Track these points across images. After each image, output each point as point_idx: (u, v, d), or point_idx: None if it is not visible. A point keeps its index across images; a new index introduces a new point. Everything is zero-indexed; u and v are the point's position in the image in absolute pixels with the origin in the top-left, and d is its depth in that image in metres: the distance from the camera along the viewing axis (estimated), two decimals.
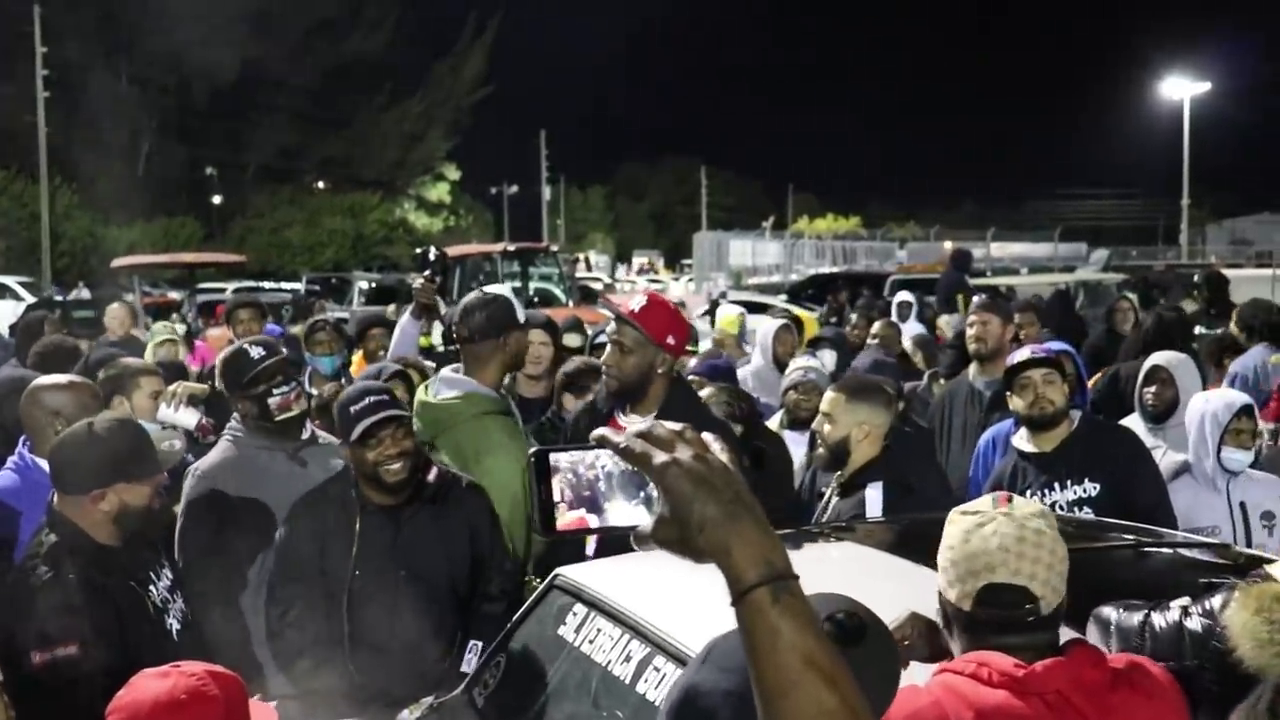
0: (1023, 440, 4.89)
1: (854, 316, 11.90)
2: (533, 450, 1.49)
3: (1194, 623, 2.76)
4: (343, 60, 64.32)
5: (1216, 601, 2.73)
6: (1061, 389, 4.79)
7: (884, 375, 5.49)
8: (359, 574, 3.96)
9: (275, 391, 4.51)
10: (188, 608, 3.82)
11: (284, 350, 4.79)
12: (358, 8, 65.11)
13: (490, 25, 70.71)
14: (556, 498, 1.44)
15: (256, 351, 4.57)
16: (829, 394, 4.61)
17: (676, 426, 1.42)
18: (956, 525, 2.41)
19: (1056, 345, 5.68)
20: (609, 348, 4.26)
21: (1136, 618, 2.88)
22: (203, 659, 3.55)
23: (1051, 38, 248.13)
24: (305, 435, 4.70)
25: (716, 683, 1.67)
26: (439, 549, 4.05)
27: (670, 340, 4.23)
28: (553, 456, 1.46)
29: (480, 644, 3.95)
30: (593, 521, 1.45)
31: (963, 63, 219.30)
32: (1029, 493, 4.69)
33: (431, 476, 4.11)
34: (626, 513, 1.45)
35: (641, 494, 1.44)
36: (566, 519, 1.45)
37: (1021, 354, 4.94)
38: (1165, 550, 3.92)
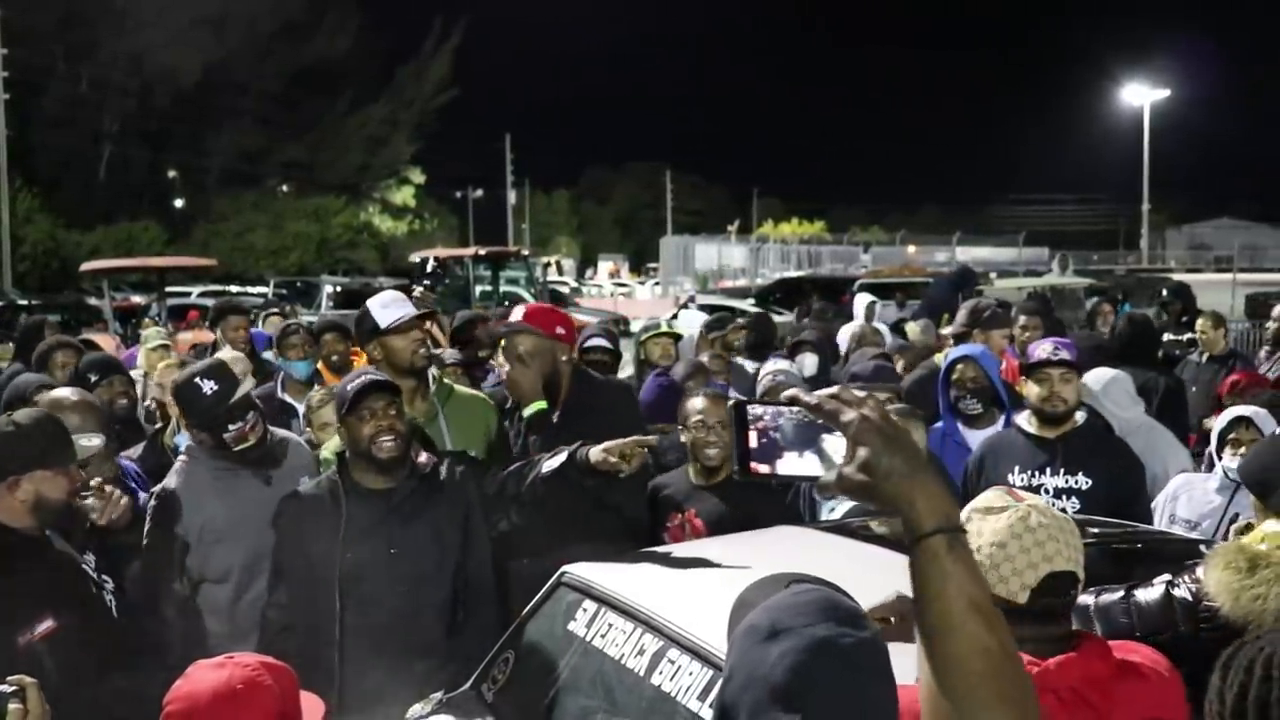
0: (1026, 421, 5.04)
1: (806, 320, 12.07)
2: (733, 401, 1.69)
3: (1181, 591, 2.88)
4: (306, 64, 64.05)
5: (1199, 570, 2.86)
6: (1077, 386, 5.00)
7: (887, 380, 5.54)
8: (349, 555, 3.95)
9: (230, 427, 4.44)
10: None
11: (238, 379, 4.62)
12: (321, 11, 64.86)
13: (455, 29, 70.73)
14: (752, 445, 1.63)
15: (208, 387, 4.44)
16: None
17: (862, 393, 1.60)
18: (995, 520, 2.43)
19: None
20: (507, 370, 4.46)
21: (1116, 597, 2.98)
22: (143, 639, 3.72)
23: (1013, 44, 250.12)
24: (267, 444, 4.63)
25: (845, 634, 1.72)
26: (430, 526, 4.02)
27: (560, 330, 4.52)
28: (750, 408, 1.66)
29: None
30: (774, 469, 1.64)
31: (925, 68, 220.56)
32: (1017, 468, 4.90)
33: (422, 459, 4.13)
34: (801, 464, 1.64)
35: (816, 448, 1.63)
36: (756, 465, 1.64)
37: (1045, 348, 5.08)
38: (1139, 543, 4.07)
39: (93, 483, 3.96)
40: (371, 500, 4.05)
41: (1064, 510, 3.96)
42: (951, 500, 1.54)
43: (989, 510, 2.46)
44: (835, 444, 1.59)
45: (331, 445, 4.77)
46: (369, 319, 4.72)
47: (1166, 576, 2.96)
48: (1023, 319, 7.81)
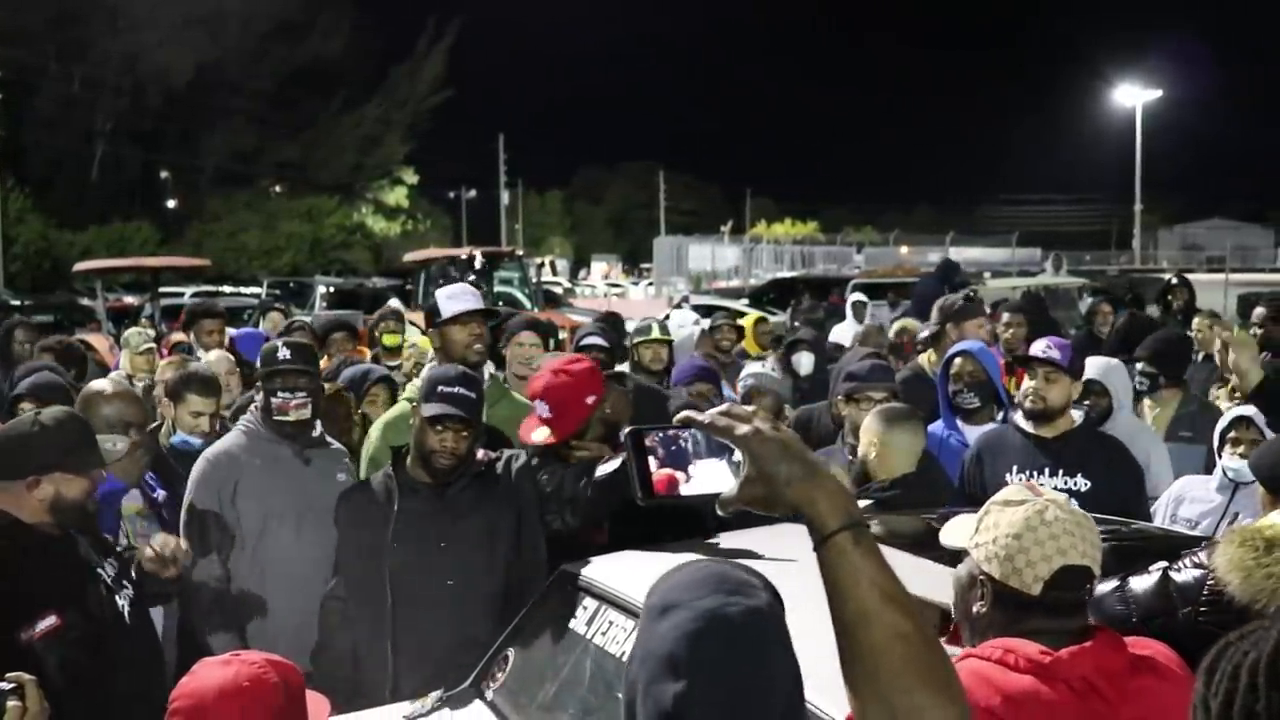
0: (1021, 419, 5.03)
1: (796, 323, 12.12)
2: (628, 430, 1.72)
3: (1183, 575, 2.87)
4: (299, 63, 63.90)
5: (1203, 554, 2.85)
6: (1065, 389, 4.94)
7: (883, 380, 5.50)
8: (397, 547, 4.03)
9: (280, 393, 4.78)
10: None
11: (315, 361, 5.10)
12: (315, 11, 64.72)
13: (449, 29, 70.65)
14: (652, 469, 1.69)
15: (283, 353, 4.87)
16: (874, 427, 4.68)
17: (750, 407, 1.66)
18: (1013, 512, 2.45)
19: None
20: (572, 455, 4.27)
21: (1109, 586, 2.98)
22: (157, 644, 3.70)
23: (1006, 45, 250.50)
24: (315, 434, 4.95)
25: (740, 603, 1.75)
26: (481, 522, 4.09)
27: (589, 400, 4.17)
28: (646, 435, 1.71)
29: None
30: (681, 489, 1.70)
31: (918, 68, 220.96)
32: (1016, 468, 4.89)
33: (479, 454, 4.19)
34: (706, 482, 1.69)
35: (723, 462, 1.69)
36: (666, 484, 1.70)
37: (1039, 345, 5.06)
38: (1146, 540, 4.06)
39: (164, 550, 3.83)
40: (424, 495, 4.13)
41: None
42: (849, 497, 1.60)
43: (1008, 503, 2.48)
44: (738, 460, 1.64)
45: (384, 420, 4.95)
46: (434, 308, 4.98)
47: (1163, 563, 2.96)
48: (1006, 316, 7.82)
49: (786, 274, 37.11)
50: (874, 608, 1.53)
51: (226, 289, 34.87)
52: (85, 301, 26.45)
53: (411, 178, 70.38)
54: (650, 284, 49.48)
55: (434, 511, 4.09)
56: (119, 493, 4.46)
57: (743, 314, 12.57)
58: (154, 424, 5.72)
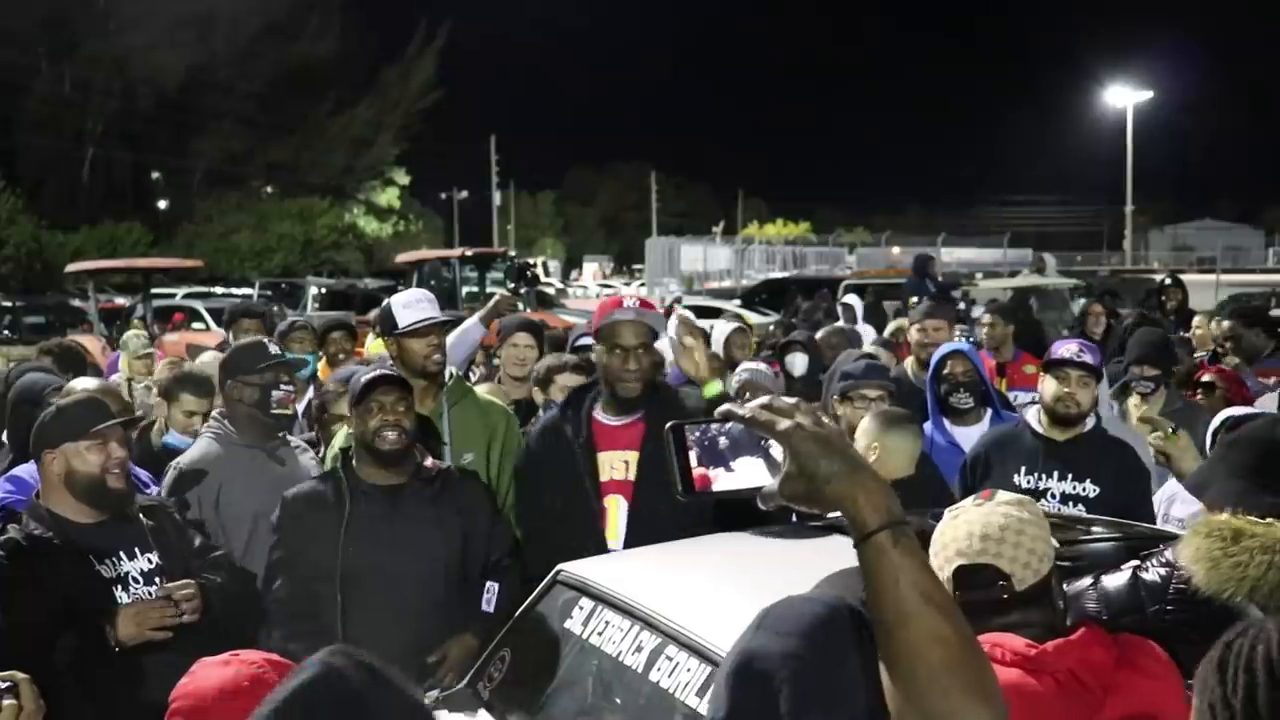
0: (1035, 420, 5.03)
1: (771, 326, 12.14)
2: (670, 424, 1.69)
3: (1151, 574, 2.90)
4: (290, 65, 63.80)
5: (1169, 552, 2.88)
6: (1094, 393, 4.95)
7: (879, 376, 5.50)
8: (351, 550, 3.99)
9: (282, 387, 4.80)
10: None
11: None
12: (305, 13, 64.62)
13: (440, 31, 70.61)
14: (693, 465, 1.66)
15: (274, 348, 4.96)
16: (873, 429, 4.69)
17: (793, 400, 1.63)
18: (939, 523, 2.59)
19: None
20: (642, 352, 4.28)
21: (1084, 584, 3.00)
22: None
23: (999, 46, 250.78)
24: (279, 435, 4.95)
25: (774, 645, 1.71)
26: (435, 530, 4.08)
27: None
28: (687, 429, 1.68)
29: (497, 585, 4.12)
30: (719, 484, 1.66)
31: (910, 69, 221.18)
32: (1024, 469, 4.90)
33: (429, 463, 4.19)
34: (743, 478, 1.66)
35: (761, 459, 1.66)
36: (700, 482, 1.67)
37: (1071, 347, 5.05)
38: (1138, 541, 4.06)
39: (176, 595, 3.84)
40: (375, 498, 4.10)
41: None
42: (891, 495, 1.57)
43: (948, 511, 2.60)
44: (778, 454, 1.62)
45: (344, 434, 4.85)
46: (389, 316, 4.85)
47: (1134, 562, 2.99)
48: (989, 317, 7.84)
49: (778, 275, 37.13)
50: (913, 608, 1.51)
51: (218, 290, 34.83)
52: (77, 303, 26.42)
53: (403, 179, 70.32)
54: (642, 284, 49.45)
55: (386, 514, 4.07)
56: None
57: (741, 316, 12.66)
58: (143, 420, 5.73)
